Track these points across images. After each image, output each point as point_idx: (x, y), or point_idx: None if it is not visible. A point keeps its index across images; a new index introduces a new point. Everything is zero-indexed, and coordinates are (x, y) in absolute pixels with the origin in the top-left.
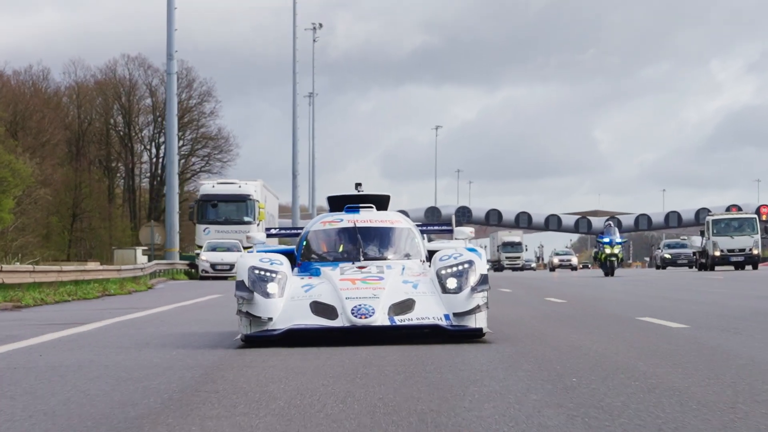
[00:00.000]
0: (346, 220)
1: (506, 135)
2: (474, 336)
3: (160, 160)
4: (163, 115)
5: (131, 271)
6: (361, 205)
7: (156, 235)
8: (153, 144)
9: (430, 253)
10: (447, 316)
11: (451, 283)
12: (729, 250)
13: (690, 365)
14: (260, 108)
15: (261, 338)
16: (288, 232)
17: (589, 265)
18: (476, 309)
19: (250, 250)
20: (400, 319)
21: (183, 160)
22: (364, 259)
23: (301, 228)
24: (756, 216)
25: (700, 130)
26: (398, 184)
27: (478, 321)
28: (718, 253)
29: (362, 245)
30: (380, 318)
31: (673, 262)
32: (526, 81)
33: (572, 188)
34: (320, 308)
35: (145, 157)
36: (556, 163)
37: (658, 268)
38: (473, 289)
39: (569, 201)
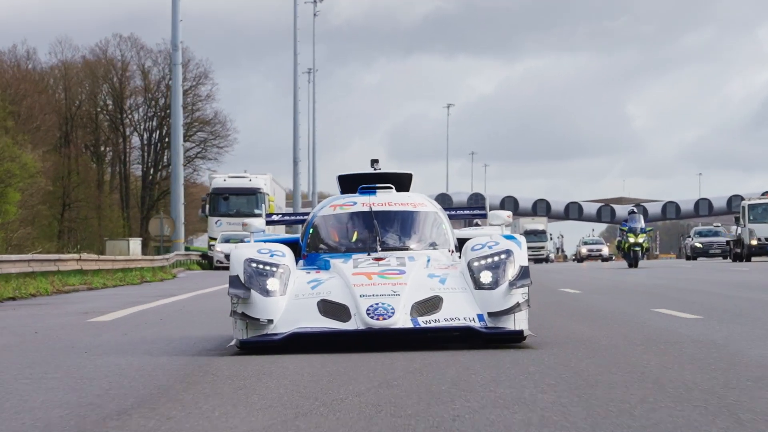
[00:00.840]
0: (361, 203)
1: (528, 111)
2: (513, 340)
3: (153, 146)
4: (156, 98)
5: (159, 262)
6: (378, 185)
7: (165, 226)
8: (144, 128)
9: (460, 242)
10: (480, 317)
11: (486, 276)
12: (767, 239)
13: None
14: (252, 81)
15: (259, 344)
16: (291, 218)
17: (613, 257)
18: (515, 308)
19: (246, 240)
20: (425, 321)
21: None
22: (382, 249)
23: (307, 213)
24: None
25: (746, 106)
26: (406, 167)
27: (518, 322)
28: (754, 242)
29: (379, 233)
30: (401, 319)
31: (704, 252)
32: (551, 51)
33: (602, 171)
34: (330, 308)
35: (136, 142)
36: (584, 143)
37: (688, 258)
38: (512, 284)
39: (598, 186)
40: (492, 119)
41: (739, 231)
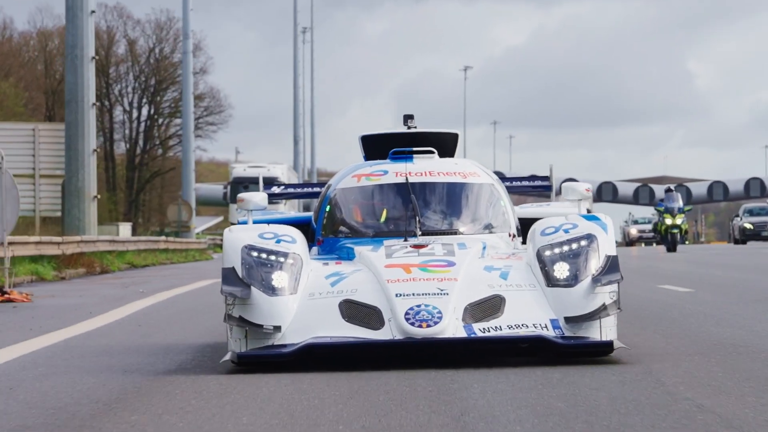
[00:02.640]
0: (393, 172)
1: (566, 67)
2: (598, 353)
3: (142, 123)
4: (145, 72)
5: (198, 245)
6: (415, 149)
7: (183, 212)
8: (131, 105)
9: (525, 224)
10: (555, 323)
11: (562, 270)
12: None
13: None
14: (230, 30)
15: (263, 359)
16: (301, 190)
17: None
18: (601, 311)
19: (242, 221)
20: (482, 328)
21: (167, 121)
22: (423, 233)
23: (321, 184)
24: None
25: None
26: None
27: (605, 330)
28: None
29: (419, 211)
30: (451, 326)
31: (756, 234)
32: None
33: (659, 140)
34: (356, 311)
35: (119, 119)
36: (634, 107)
37: (736, 242)
38: (596, 280)
39: (654, 158)
40: (523, 77)
41: None
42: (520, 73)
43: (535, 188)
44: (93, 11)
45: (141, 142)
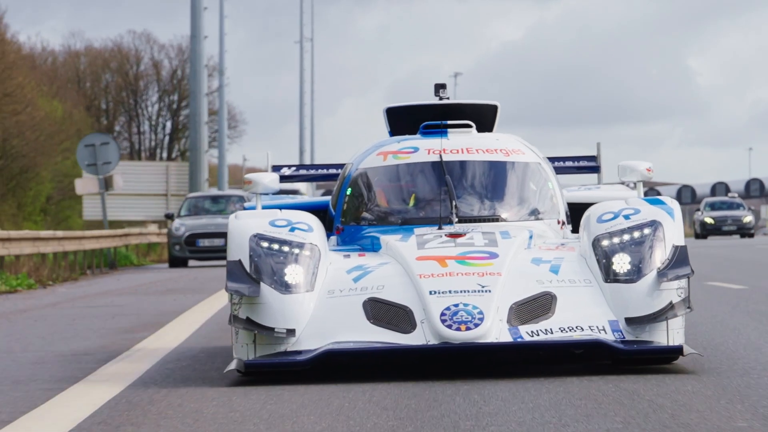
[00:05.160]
0: (425, 149)
1: (564, 65)
2: (662, 359)
3: (166, 135)
4: (168, 90)
5: None
6: (449, 122)
7: None
8: (157, 118)
9: (576, 209)
10: (614, 324)
11: (622, 262)
12: None
13: None
14: (233, 35)
15: (274, 368)
16: (315, 172)
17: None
18: (667, 310)
19: (249, 206)
20: (530, 332)
21: (182, 137)
22: (460, 221)
23: (338, 165)
24: None
25: None
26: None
27: (672, 333)
28: None
29: (455, 194)
30: (494, 329)
31: (717, 228)
32: None
33: (658, 138)
34: (383, 312)
35: (145, 133)
36: (635, 105)
37: (697, 237)
38: (662, 274)
39: (654, 156)
40: (519, 73)
41: None
42: (516, 71)
43: (580, 169)
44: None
45: (164, 153)
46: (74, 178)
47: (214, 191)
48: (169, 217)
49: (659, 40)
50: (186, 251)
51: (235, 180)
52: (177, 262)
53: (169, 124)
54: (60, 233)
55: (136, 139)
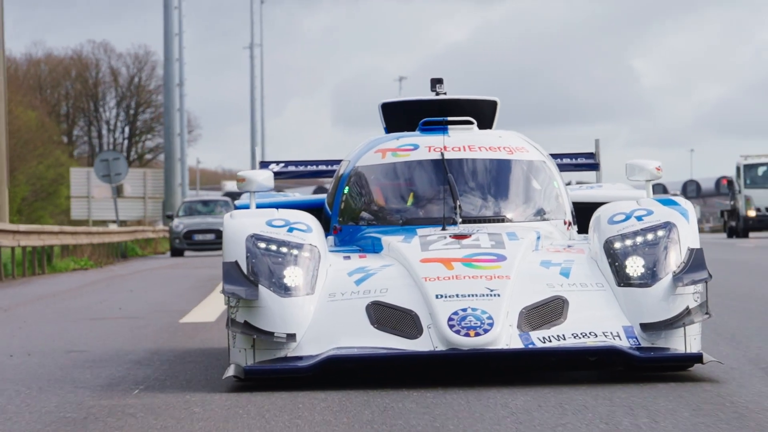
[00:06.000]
0: (426, 146)
1: (509, 65)
2: (680, 367)
3: (125, 140)
4: (126, 96)
5: None
6: (450, 118)
7: None
8: (115, 123)
9: (583, 210)
10: (629, 330)
11: (635, 265)
12: None
13: None
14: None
15: (274, 374)
16: (304, 168)
17: None
18: (684, 316)
19: (242, 204)
20: (542, 338)
21: (144, 138)
22: (464, 221)
23: (330, 161)
24: None
25: None
26: (356, 135)
27: (689, 339)
28: (752, 213)
29: (458, 194)
30: (504, 335)
31: None
32: None
33: (603, 139)
34: (388, 316)
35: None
36: (580, 105)
37: None
38: (678, 278)
39: (600, 156)
40: (464, 74)
41: (733, 199)
42: (461, 72)
43: (578, 167)
44: (179, 108)
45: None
46: (47, 181)
47: (204, 196)
48: (170, 217)
49: (604, 41)
50: (184, 243)
51: (209, 181)
52: (177, 252)
53: (127, 129)
54: (93, 229)
55: (96, 143)
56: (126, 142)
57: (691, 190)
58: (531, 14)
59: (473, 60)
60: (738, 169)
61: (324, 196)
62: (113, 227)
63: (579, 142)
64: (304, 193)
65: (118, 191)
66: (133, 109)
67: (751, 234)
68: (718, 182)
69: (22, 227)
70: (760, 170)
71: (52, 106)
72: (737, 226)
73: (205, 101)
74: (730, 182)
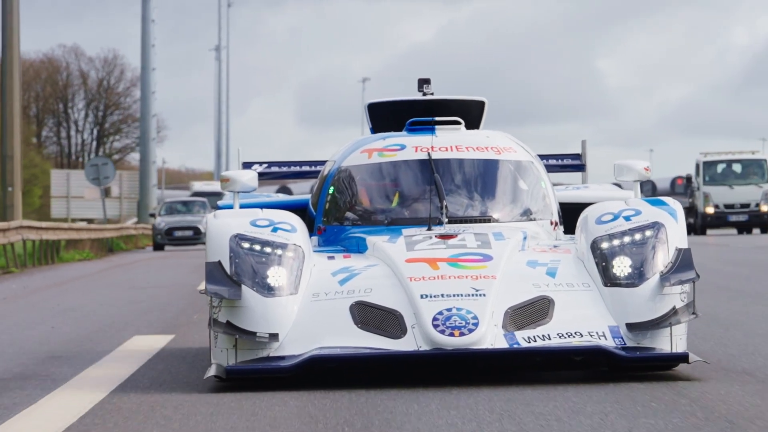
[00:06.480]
0: (412, 146)
1: (474, 65)
2: (665, 367)
3: (94, 141)
4: (96, 98)
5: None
6: (437, 118)
7: None
8: (84, 125)
9: (570, 210)
10: (615, 330)
11: (622, 265)
12: (727, 206)
13: None
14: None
15: (256, 374)
16: (287, 169)
17: None
18: (671, 316)
19: (224, 204)
20: (527, 338)
21: (112, 139)
22: (450, 221)
23: (314, 162)
24: (766, 158)
25: (749, 56)
26: (320, 134)
27: (675, 339)
28: (711, 210)
29: (444, 194)
30: (489, 335)
31: None
32: None
33: (567, 139)
34: (372, 316)
35: (75, 139)
36: (545, 105)
37: None
38: (665, 278)
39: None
40: (427, 75)
41: (692, 195)
42: (425, 72)
43: (564, 168)
44: (155, 114)
45: (92, 156)
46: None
47: (183, 197)
48: (152, 215)
49: (568, 41)
50: (166, 239)
51: (173, 180)
52: (158, 247)
53: (95, 130)
54: (92, 226)
55: (65, 144)
56: (94, 143)
57: (647, 190)
58: (496, 14)
59: (438, 60)
60: (697, 166)
61: (304, 196)
62: (129, 223)
63: (544, 142)
64: (263, 192)
65: (106, 192)
66: (101, 111)
67: (708, 231)
68: (673, 182)
69: (44, 224)
70: (720, 167)
71: (23, 108)
72: (695, 224)
73: (167, 101)
74: (688, 179)
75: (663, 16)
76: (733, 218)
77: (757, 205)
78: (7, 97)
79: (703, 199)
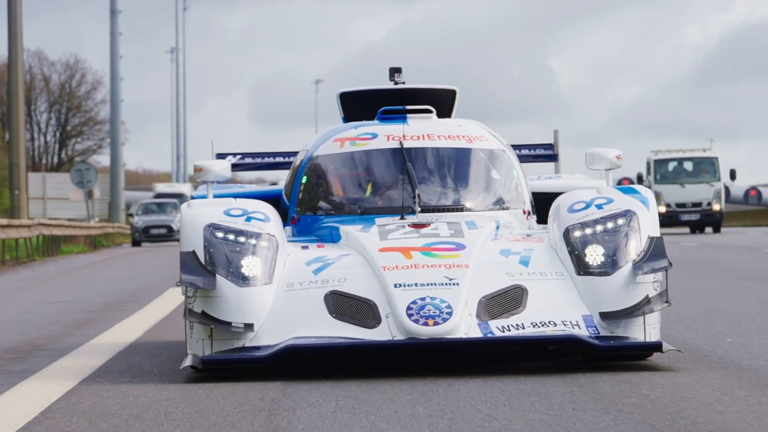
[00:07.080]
0: (384, 135)
1: (428, 63)
2: (639, 356)
3: (57, 143)
4: (59, 101)
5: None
6: (409, 107)
7: None
8: (46, 127)
9: (542, 200)
10: (588, 319)
11: (595, 254)
12: (678, 205)
13: None
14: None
15: (232, 364)
16: (261, 160)
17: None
18: (644, 305)
19: (199, 195)
20: (501, 327)
21: (73, 142)
22: (423, 210)
23: (288, 153)
24: (717, 156)
25: (701, 55)
26: (275, 134)
27: (649, 328)
28: (662, 209)
29: (417, 183)
30: (463, 324)
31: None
32: None
33: (521, 139)
34: (346, 305)
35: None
36: (498, 104)
37: None
38: (638, 267)
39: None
40: (381, 75)
41: None
42: (378, 71)
43: (537, 158)
44: (123, 121)
45: (54, 158)
46: None
47: (158, 199)
48: (130, 215)
49: (521, 40)
50: (143, 236)
51: (131, 181)
52: (136, 243)
53: (58, 133)
54: (83, 224)
55: (29, 145)
56: (57, 145)
57: None
58: (449, 14)
59: (391, 59)
60: (648, 164)
61: (278, 186)
62: (106, 223)
63: None
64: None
65: (90, 195)
66: (63, 114)
67: (660, 230)
68: (620, 183)
69: (53, 221)
70: (671, 166)
71: None
72: None
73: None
74: (639, 178)
75: (615, 15)
76: (685, 217)
77: (709, 203)
78: (13, 113)
79: (654, 198)
